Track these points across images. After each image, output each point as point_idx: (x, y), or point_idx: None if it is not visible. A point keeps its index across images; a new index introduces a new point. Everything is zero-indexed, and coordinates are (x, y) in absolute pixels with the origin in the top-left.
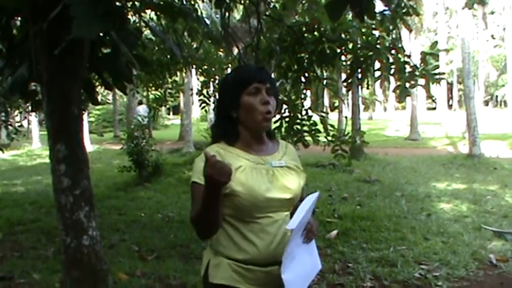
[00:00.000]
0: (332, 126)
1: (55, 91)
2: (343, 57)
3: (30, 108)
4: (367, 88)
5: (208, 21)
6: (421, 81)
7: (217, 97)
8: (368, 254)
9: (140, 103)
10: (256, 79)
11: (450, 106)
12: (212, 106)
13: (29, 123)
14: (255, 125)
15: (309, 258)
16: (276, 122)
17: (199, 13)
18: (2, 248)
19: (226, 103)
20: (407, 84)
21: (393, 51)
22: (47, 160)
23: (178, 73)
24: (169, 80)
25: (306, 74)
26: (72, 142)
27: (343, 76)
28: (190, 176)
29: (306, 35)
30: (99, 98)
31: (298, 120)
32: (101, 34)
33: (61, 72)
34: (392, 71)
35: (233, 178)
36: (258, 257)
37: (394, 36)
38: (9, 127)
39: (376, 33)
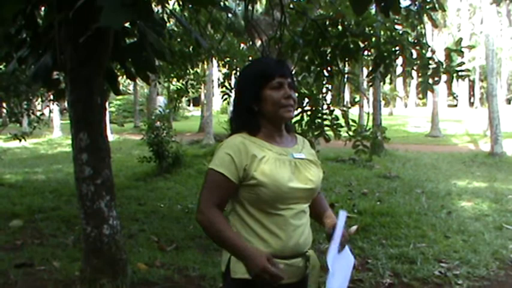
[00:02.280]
0: (353, 121)
1: (79, 80)
2: (366, 52)
3: (52, 97)
4: (390, 83)
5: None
6: (444, 77)
7: (236, 90)
8: (387, 251)
9: (157, 94)
10: (279, 73)
11: (472, 104)
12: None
13: (50, 112)
14: (277, 118)
15: (344, 260)
16: (297, 115)
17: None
18: (23, 235)
19: (247, 96)
20: (431, 81)
21: (417, 47)
22: (68, 149)
23: (200, 65)
24: (191, 72)
25: (329, 68)
26: (94, 131)
27: (365, 71)
28: None
29: (329, 28)
30: (120, 88)
31: (320, 114)
32: (127, 24)
33: (85, 62)
34: (415, 67)
35: (257, 169)
36: (282, 249)
37: (418, 31)
38: (31, 115)
39: (400, 28)
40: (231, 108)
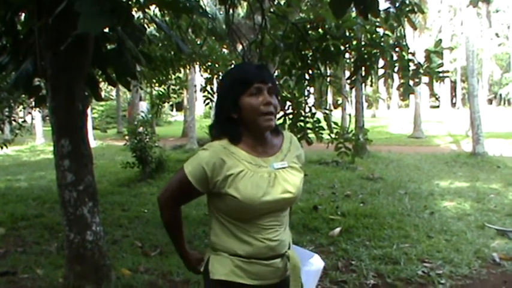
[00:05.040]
0: (335, 123)
1: (59, 86)
2: (347, 55)
3: (33, 103)
4: (371, 86)
5: (211, 18)
6: (425, 79)
7: (216, 97)
8: (371, 252)
9: (140, 99)
10: (258, 79)
11: (454, 104)
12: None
13: (32, 119)
14: (256, 127)
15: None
16: (279, 119)
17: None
18: (6, 243)
19: (227, 104)
20: (411, 82)
21: (397, 49)
22: (50, 156)
23: (182, 69)
24: (173, 77)
25: (310, 71)
26: (76, 137)
27: (347, 73)
28: None
29: (310, 32)
30: (103, 94)
31: (302, 118)
32: (106, 30)
33: (66, 68)
34: (396, 69)
35: (231, 185)
36: (260, 250)
37: (398, 34)
38: (13, 122)
39: (380, 30)
40: (213, 113)
